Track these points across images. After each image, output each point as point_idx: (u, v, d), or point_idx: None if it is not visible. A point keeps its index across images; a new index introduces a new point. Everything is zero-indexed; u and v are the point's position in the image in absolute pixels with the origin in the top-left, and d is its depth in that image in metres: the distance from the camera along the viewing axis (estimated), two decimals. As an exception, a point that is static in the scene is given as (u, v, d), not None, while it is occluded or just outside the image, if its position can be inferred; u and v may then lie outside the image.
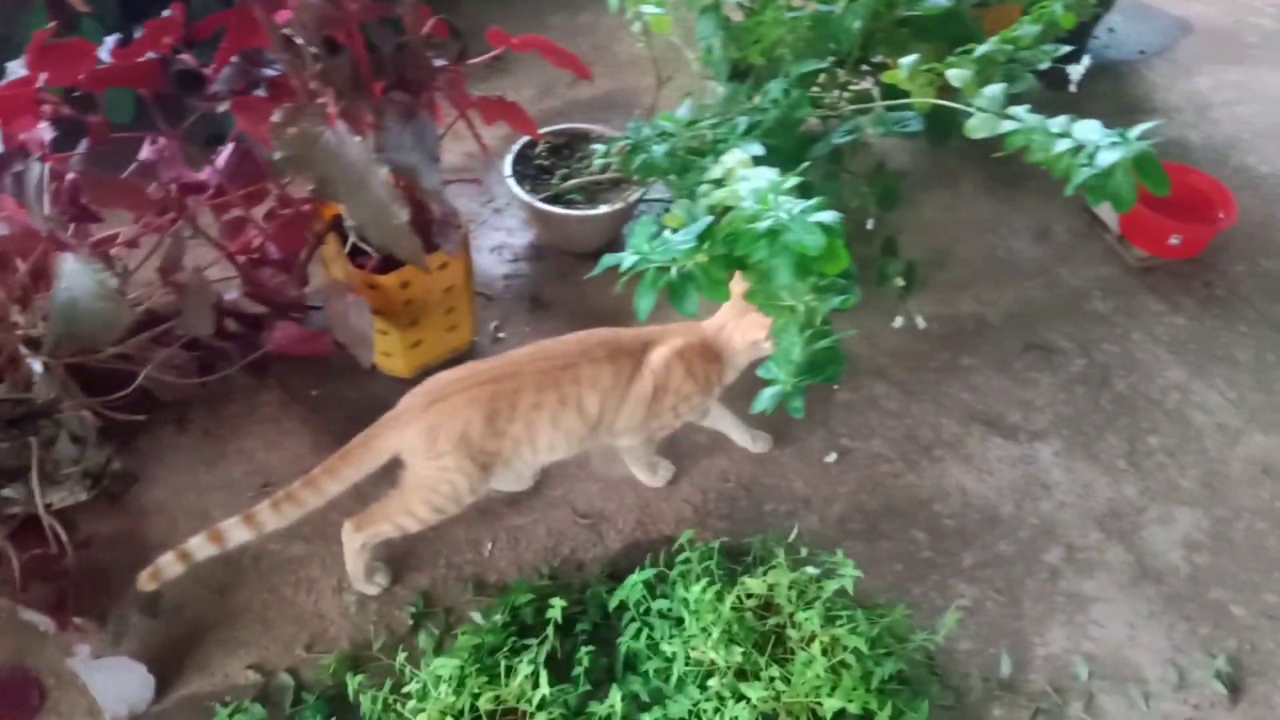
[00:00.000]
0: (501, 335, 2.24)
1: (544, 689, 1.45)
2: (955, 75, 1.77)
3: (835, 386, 2.14)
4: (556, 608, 1.60)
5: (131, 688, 1.66)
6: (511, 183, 2.30)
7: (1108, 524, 1.91)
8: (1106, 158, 1.51)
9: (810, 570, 1.61)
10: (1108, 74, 3.06)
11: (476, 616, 1.72)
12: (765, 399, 1.46)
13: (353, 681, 1.58)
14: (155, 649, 1.73)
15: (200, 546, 1.57)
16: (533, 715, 1.45)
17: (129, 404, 1.92)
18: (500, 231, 2.50)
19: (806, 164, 1.68)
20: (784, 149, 2.08)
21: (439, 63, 1.89)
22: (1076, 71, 1.96)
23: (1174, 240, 2.32)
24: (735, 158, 1.68)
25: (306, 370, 2.13)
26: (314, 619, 1.77)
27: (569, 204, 2.30)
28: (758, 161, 1.70)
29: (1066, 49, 1.95)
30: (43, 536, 1.77)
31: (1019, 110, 1.68)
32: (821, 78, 2.12)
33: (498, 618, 1.69)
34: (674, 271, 1.46)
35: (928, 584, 1.81)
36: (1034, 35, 1.90)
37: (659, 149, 1.88)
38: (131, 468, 1.99)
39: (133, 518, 1.93)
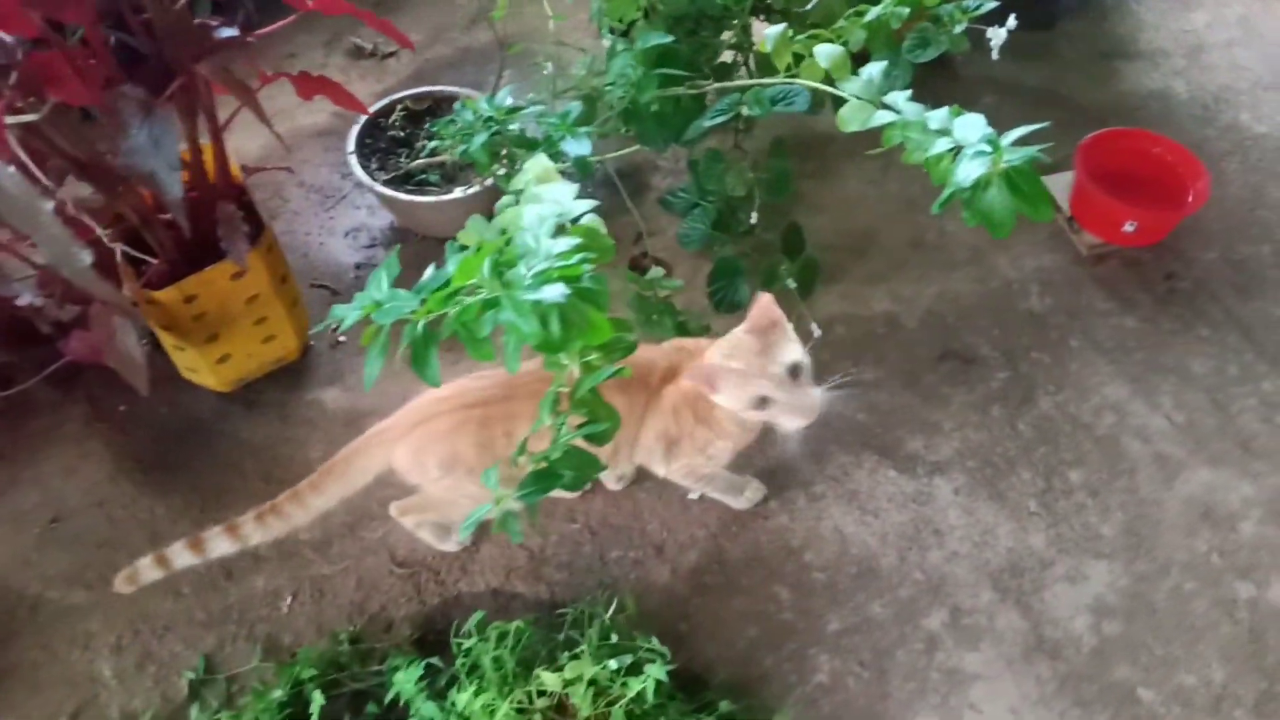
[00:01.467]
0: (343, 339, 1.98)
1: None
2: (822, 53, 1.44)
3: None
4: (316, 703, 1.38)
5: None
6: (353, 160, 2.00)
7: (1004, 582, 1.63)
8: (969, 171, 1.19)
9: (612, 665, 1.36)
10: (1092, 8, 2.64)
11: (259, 688, 1.52)
12: (467, 522, 1.13)
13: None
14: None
15: (180, 554, 1.42)
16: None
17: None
18: (360, 210, 2.21)
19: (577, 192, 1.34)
20: (651, 132, 1.78)
21: (225, 33, 1.59)
22: (999, 36, 1.60)
23: (1128, 227, 1.97)
24: (537, 166, 1.38)
25: (119, 382, 1.89)
26: (86, 682, 1.57)
27: (421, 185, 2.01)
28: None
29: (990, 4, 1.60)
30: None
31: (898, 98, 1.36)
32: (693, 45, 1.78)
33: (277, 694, 1.48)
34: (418, 327, 1.18)
35: (783, 654, 1.57)
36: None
37: (478, 139, 1.57)
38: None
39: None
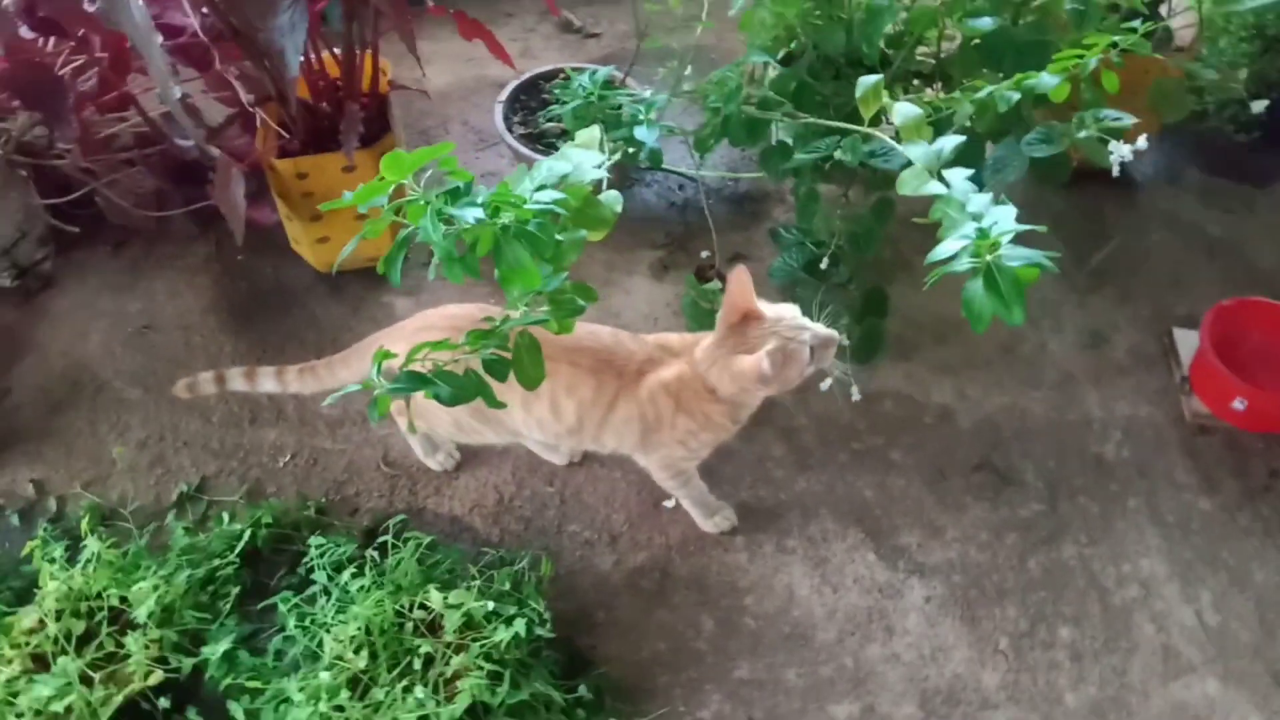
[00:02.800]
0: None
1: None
2: (900, 111, 1.41)
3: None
4: (236, 548, 1.53)
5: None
6: (499, 109, 2.15)
7: (934, 704, 1.52)
8: (948, 248, 1.14)
9: (489, 606, 1.39)
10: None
11: (226, 518, 1.68)
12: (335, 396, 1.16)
13: (89, 526, 1.59)
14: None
15: (234, 378, 1.60)
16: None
17: (77, 216, 2.05)
18: (503, 160, 2.36)
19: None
20: (740, 138, 1.80)
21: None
22: (1121, 152, 1.49)
23: (1237, 404, 1.77)
24: (586, 134, 1.45)
25: (249, 235, 2.14)
26: (106, 463, 1.80)
27: (550, 147, 2.13)
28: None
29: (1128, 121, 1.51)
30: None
31: (955, 173, 1.31)
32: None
33: (236, 528, 1.64)
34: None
35: (680, 678, 1.54)
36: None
37: (569, 106, 1.66)
38: (54, 272, 2.12)
39: (31, 317, 2.05)
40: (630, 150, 1.63)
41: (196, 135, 1.71)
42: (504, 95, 2.18)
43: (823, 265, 1.81)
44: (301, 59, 1.63)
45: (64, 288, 2.10)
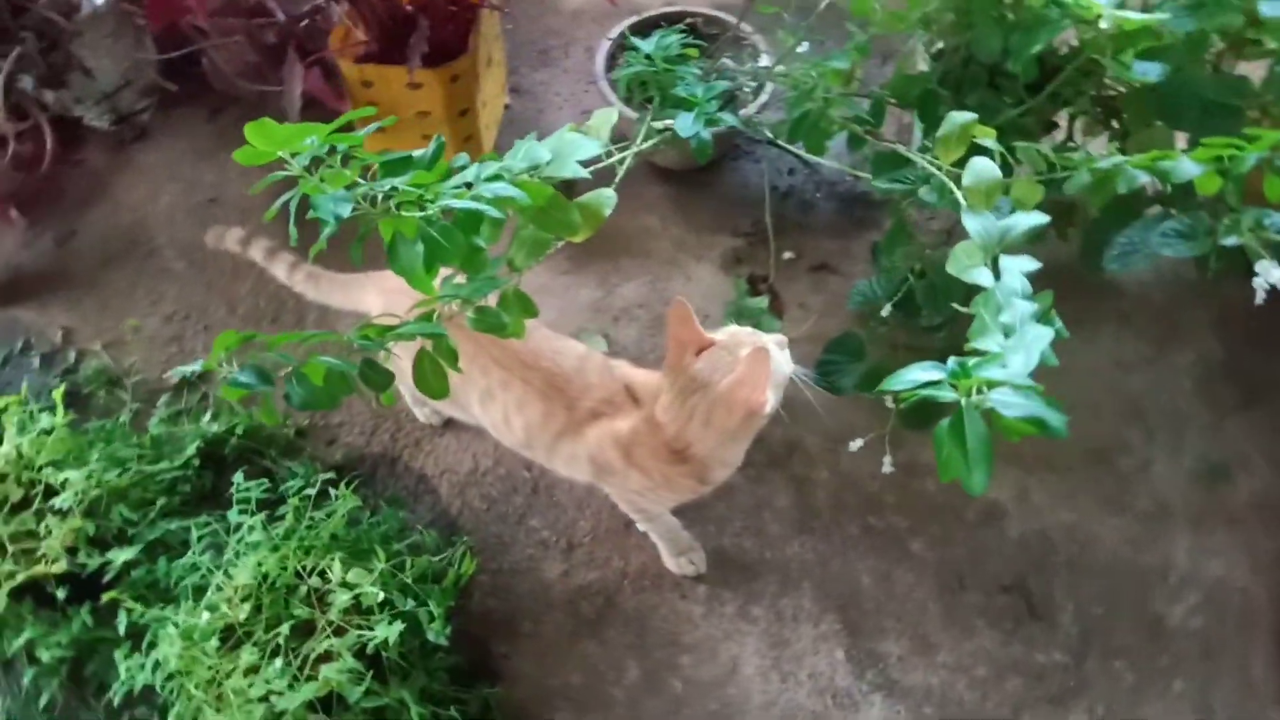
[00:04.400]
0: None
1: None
2: (973, 171, 1.13)
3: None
4: (191, 447, 1.50)
5: None
6: (603, 50, 1.96)
7: (843, 846, 1.32)
8: (918, 375, 0.90)
9: (381, 596, 1.29)
10: None
11: (205, 420, 1.67)
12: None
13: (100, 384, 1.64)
14: (42, 269, 1.92)
15: (257, 248, 1.56)
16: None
17: (182, 75, 2.06)
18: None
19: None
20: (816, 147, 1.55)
21: None
22: (1271, 274, 1.15)
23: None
24: (602, 115, 1.26)
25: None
26: (129, 329, 1.83)
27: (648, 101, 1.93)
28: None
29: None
30: (43, 140, 2.00)
31: (1015, 265, 1.06)
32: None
33: (213, 429, 1.62)
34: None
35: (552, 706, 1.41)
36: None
37: (628, 70, 1.46)
38: (150, 125, 2.15)
39: (118, 164, 2.10)
40: (702, 136, 1.42)
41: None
42: (614, 32, 1.98)
43: (884, 311, 1.55)
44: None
45: (155, 142, 2.13)
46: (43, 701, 1.37)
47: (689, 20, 2.00)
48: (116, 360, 1.78)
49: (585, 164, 1.09)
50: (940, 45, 1.72)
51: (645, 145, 1.34)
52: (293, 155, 0.94)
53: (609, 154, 1.29)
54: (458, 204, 0.98)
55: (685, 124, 1.34)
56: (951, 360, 0.89)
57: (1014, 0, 1.54)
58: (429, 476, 1.64)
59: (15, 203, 2.00)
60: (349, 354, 1.03)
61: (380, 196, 0.95)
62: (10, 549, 1.35)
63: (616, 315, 1.82)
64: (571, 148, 1.14)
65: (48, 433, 1.49)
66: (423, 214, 0.96)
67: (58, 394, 1.55)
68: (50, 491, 1.41)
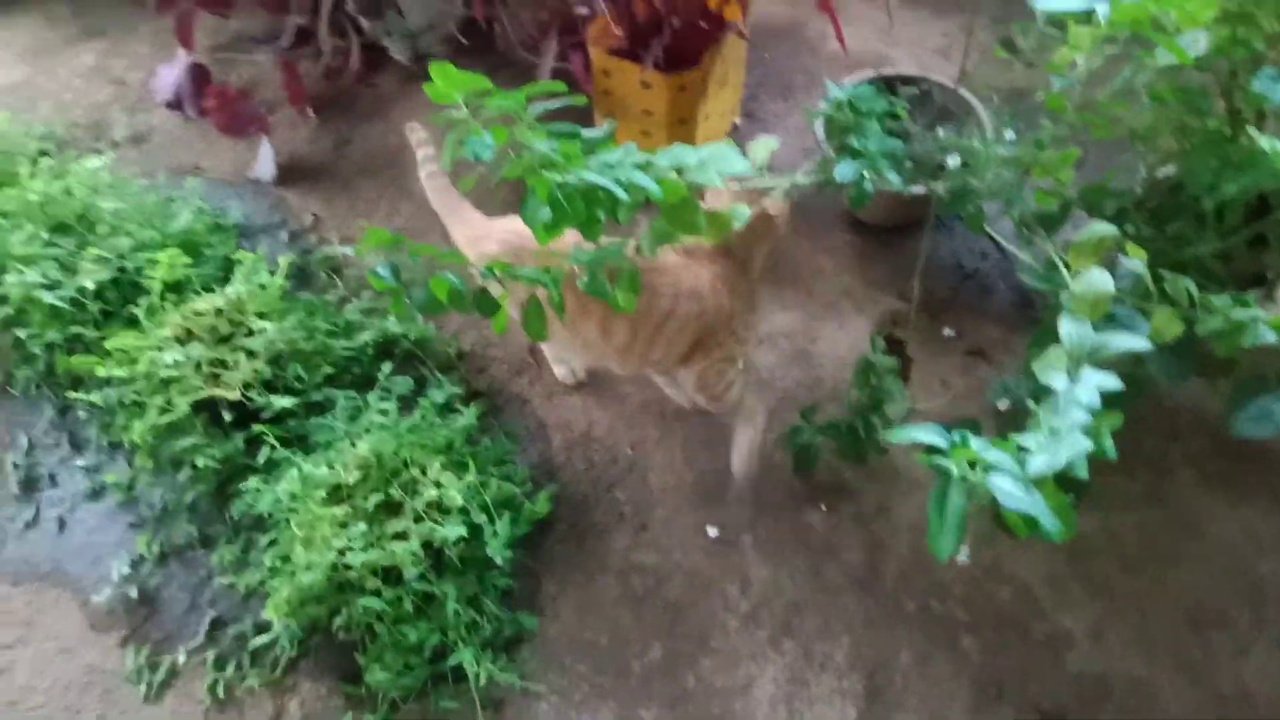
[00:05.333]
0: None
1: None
2: (1086, 279, 1.16)
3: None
4: (368, 335, 1.76)
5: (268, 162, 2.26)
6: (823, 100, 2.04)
7: None
8: (915, 433, 0.95)
9: (460, 501, 1.47)
10: None
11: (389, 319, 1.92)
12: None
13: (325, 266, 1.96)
14: (316, 163, 2.29)
15: (422, 151, 1.64)
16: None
17: (476, 33, 2.36)
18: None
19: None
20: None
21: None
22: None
23: None
24: (761, 142, 1.36)
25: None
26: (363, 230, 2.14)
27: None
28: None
29: None
30: (349, 59, 2.38)
31: (1093, 380, 1.08)
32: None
33: (394, 327, 1.87)
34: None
35: (593, 676, 1.53)
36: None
37: (820, 110, 1.54)
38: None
39: (403, 94, 2.44)
40: (864, 188, 1.49)
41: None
42: (847, 80, 2.06)
43: (1001, 404, 1.54)
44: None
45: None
46: (188, 498, 1.67)
47: (925, 87, 2.05)
48: (344, 251, 2.09)
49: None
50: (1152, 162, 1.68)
51: (802, 181, 1.42)
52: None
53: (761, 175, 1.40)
54: (588, 176, 1.13)
55: (843, 171, 1.42)
56: (958, 432, 0.93)
57: (1244, 140, 1.49)
58: (548, 426, 1.81)
59: (315, 104, 2.39)
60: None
61: (527, 152, 1.11)
62: (205, 369, 1.65)
63: (762, 338, 1.91)
64: (719, 160, 1.25)
65: (265, 289, 1.80)
66: (559, 179, 1.11)
67: (284, 260, 1.86)
68: (249, 334, 1.71)
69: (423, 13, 2.39)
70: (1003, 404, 1.56)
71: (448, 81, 1.09)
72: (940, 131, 1.91)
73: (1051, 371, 1.09)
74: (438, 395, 1.73)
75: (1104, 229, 1.20)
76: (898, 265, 2.02)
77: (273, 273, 1.84)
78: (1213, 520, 1.66)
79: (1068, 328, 1.11)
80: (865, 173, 1.43)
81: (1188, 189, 1.52)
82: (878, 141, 1.46)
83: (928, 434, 0.93)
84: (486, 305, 1.20)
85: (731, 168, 1.24)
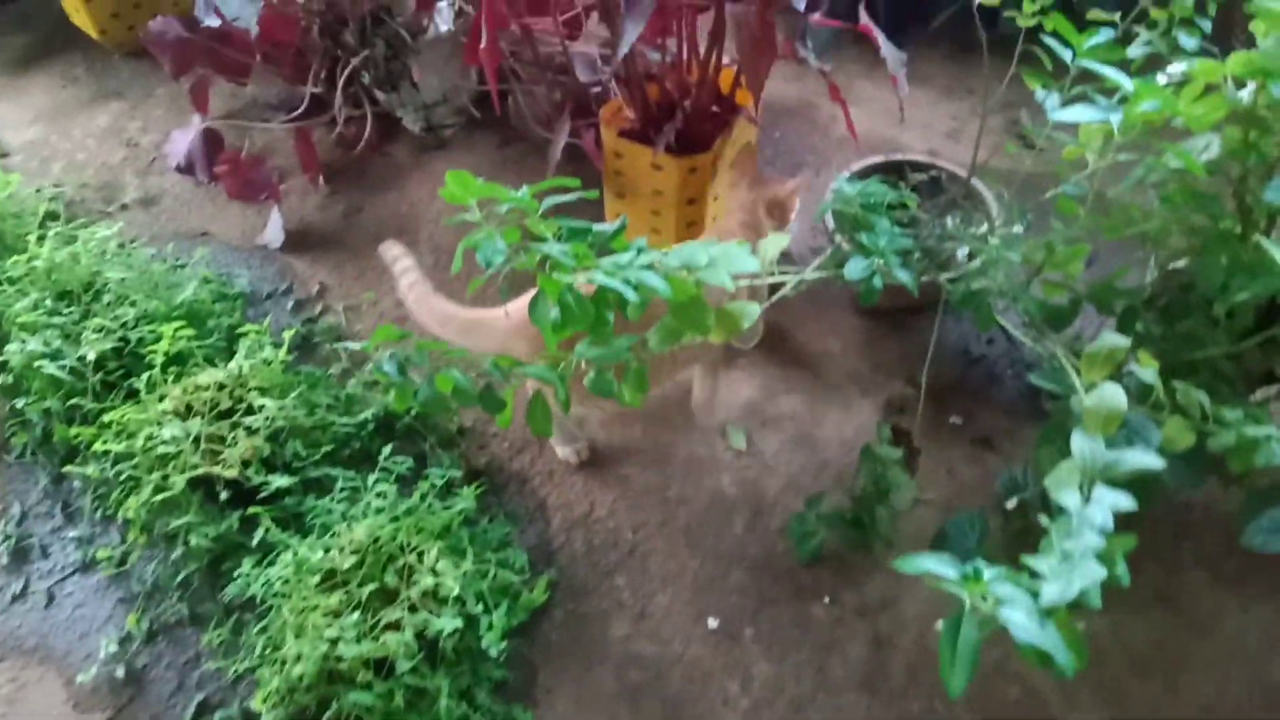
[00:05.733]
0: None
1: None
2: (1099, 394, 1.14)
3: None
4: (369, 413, 1.74)
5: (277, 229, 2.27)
6: (834, 183, 2.04)
7: None
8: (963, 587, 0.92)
9: (456, 591, 1.44)
10: None
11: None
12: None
13: (328, 338, 1.95)
14: (325, 231, 2.30)
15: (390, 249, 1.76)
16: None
17: (488, 106, 2.39)
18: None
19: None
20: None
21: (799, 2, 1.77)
22: None
23: None
24: (773, 239, 1.36)
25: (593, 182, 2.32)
26: (369, 300, 2.14)
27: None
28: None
29: None
30: (364, 129, 2.40)
31: (1107, 499, 1.06)
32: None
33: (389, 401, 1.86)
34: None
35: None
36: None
37: (828, 203, 1.54)
38: (451, 141, 2.49)
39: (415, 164, 2.46)
40: (874, 285, 1.48)
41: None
42: (856, 166, 2.08)
43: (1010, 504, 1.52)
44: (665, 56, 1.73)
45: (450, 155, 2.47)
46: (181, 576, 1.64)
47: (934, 173, 2.06)
48: (349, 323, 2.09)
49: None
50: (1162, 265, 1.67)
51: (811, 276, 1.42)
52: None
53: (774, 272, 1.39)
54: (600, 279, 1.12)
55: (854, 269, 1.41)
56: (972, 564, 0.91)
57: (1255, 244, 1.49)
58: (548, 506, 1.79)
59: (327, 173, 2.41)
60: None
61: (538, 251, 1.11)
62: (203, 445, 1.64)
63: (766, 420, 1.89)
64: (730, 259, 1.24)
65: (268, 363, 1.79)
66: (568, 281, 1.11)
67: (288, 334, 1.86)
68: (249, 410, 1.69)
69: (438, 86, 2.42)
70: (1010, 503, 1.54)
71: (463, 187, 1.09)
72: (950, 221, 1.92)
73: (1064, 489, 1.07)
74: (437, 477, 1.70)
75: (1116, 340, 1.19)
76: (904, 349, 2.01)
77: (277, 345, 1.83)
78: (1225, 621, 1.62)
79: (1079, 444, 1.09)
80: (875, 271, 1.43)
81: (1199, 289, 1.52)
82: (888, 238, 1.45)
83: (938, 565, 0.90)
84: (491, 403, 1.19)
85: (742, 267, 1.23)
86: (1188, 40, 1.60)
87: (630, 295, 1.13)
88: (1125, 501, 1.05)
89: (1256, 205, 1.49)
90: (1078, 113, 1.26)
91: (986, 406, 1.90)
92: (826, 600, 1.65)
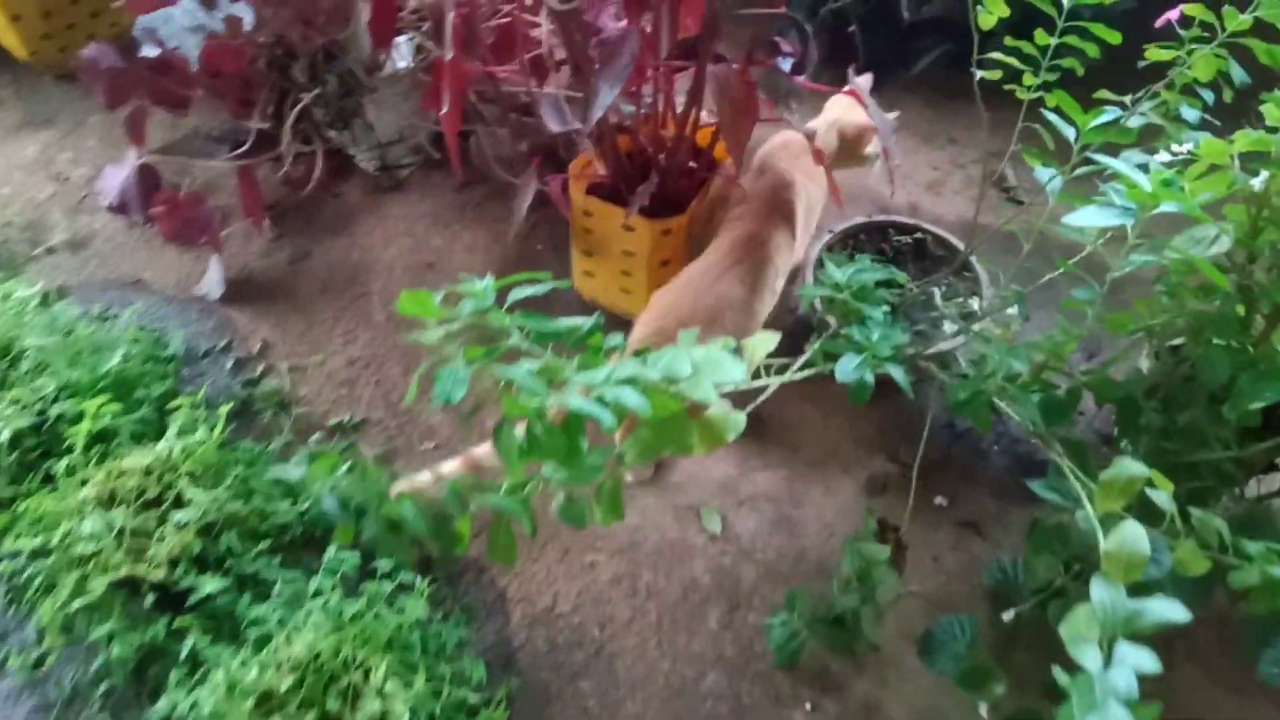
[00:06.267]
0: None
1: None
2: (1120, 536, 1.04)
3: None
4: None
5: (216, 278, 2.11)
6: (816, 250, 1.94)
7: None
8: None
9: (407, 716, 1.31)
10: None
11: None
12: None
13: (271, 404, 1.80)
14: (269, 279, 2.14)
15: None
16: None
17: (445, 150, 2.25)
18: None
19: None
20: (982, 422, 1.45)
21: (783, 62, 1.66)
22: None
23: None
24: (762, 339, 1.24)
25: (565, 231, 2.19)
26: (321, 362, 1.99)
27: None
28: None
29: None
30: (314, 167, 2.25)
31: (1130, 656, 0.97)
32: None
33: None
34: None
35: None
36: None
37: (811, 290, 1.43)
38: (407, 181, 2.35)
39: (368, 206, 2.31)
40: (865, 380, 1.37)
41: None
42: (839, 227, 1.97)
43: (1007, 616, 1.42)
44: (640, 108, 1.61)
45: (406, 197, 2.32)
46: (102, 688, 1.49)
47: (918, 235, 1.96)
48: (293, 386, 1.94)
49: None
50: (1162, 348, 1.59)
51: (798, 375, 1.31)
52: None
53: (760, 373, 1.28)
54: (572, 404, 1.00)
55: (845, 369, 1.30)
56: None
57: (1259, 337, 1.41)
58: (507, 598, 1.66)
59: (273, 214, 2.25)
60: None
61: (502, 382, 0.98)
62: (127, 541, 1.48)
63: (742, 500, 1.78)
64: (714, 367, 1.12)
65: (202, 443, 1.63)
66: (535, 406, 0.98)
67: (222, 412, 1.70)
68: (179, 501, 1.54)
69: (394, 123, 2.27)
70: (1007, 615, 1.45)
71: (419, 306, 0.96)
72: (938, 293, 1.83)
73: (1083, 645, 0.97)
74: (386, 570, 1.56)
75: (1133, 470, 1.09)
76: (887, 422, 1.90)
77: (213, 422, 1.68)
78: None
79: (1100, 594, 0.99)
80: (867, 368, 1.32)
81: (1201, 380, 1.43)
82: (880, 331, 1.35)
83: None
84: (447, 538, 1.06)
85: (728, 375, 1.12)
86: (1189, 112, 1.52)
87: (606, 420, 1.01)
88: (1150, 663, 0.95)
89: (1262, 295, 1.41)
90: (1091, 216, 1.16)
91: (972, 486, 1.81)
92: (808, 707, 1.54)
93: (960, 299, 1.84)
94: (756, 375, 1.27)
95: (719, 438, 1.18)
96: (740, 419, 1.19)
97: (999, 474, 1.83)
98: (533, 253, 2.20)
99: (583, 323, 1.17)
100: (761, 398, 1.30)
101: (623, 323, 2.02)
